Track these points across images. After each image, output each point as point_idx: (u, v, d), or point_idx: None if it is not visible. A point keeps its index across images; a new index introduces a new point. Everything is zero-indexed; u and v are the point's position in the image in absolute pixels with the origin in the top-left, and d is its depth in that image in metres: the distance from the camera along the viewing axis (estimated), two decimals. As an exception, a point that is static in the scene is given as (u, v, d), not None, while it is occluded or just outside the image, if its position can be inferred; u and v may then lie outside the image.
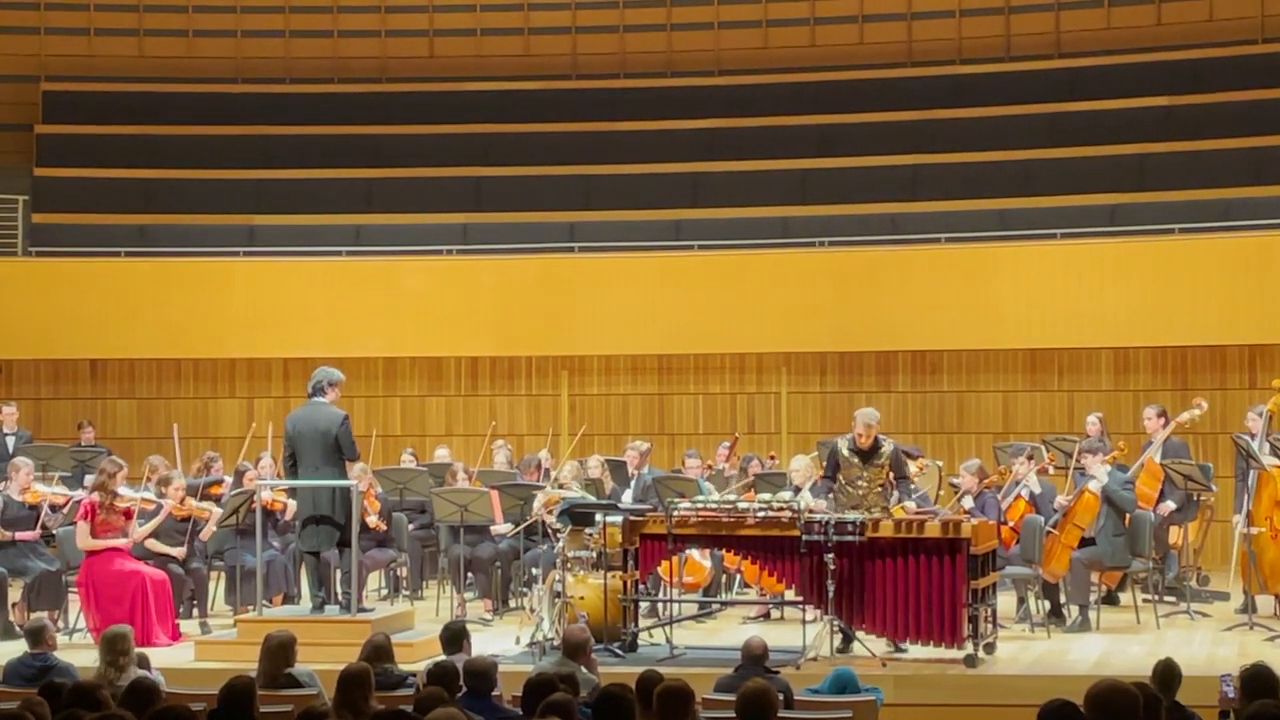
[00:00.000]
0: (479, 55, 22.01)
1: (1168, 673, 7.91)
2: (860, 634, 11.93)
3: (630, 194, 20.42)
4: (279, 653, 8.96)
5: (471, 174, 20.97)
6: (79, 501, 13.46)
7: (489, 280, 19.68)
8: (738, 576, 14.90)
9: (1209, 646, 12.55)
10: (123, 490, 13.16)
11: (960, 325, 18.64)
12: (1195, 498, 14.68)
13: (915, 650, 11.94)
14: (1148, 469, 14.35)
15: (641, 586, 12.77)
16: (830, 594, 11.59)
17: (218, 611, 14.07)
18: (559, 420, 19.46)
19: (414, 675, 9.06)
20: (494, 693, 8.34)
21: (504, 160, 21.00)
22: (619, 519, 12.48)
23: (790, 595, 12.55)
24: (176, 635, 12.99)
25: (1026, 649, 12.56)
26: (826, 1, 21.56)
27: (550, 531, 13.52)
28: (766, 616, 14.01)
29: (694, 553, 13.85)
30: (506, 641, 12.69)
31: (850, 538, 11.61)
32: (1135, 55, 20.25)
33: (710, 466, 15.46)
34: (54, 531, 13.84)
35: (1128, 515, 13.49)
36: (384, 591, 15.37)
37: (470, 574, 14.49)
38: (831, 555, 11.57)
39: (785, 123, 20.72)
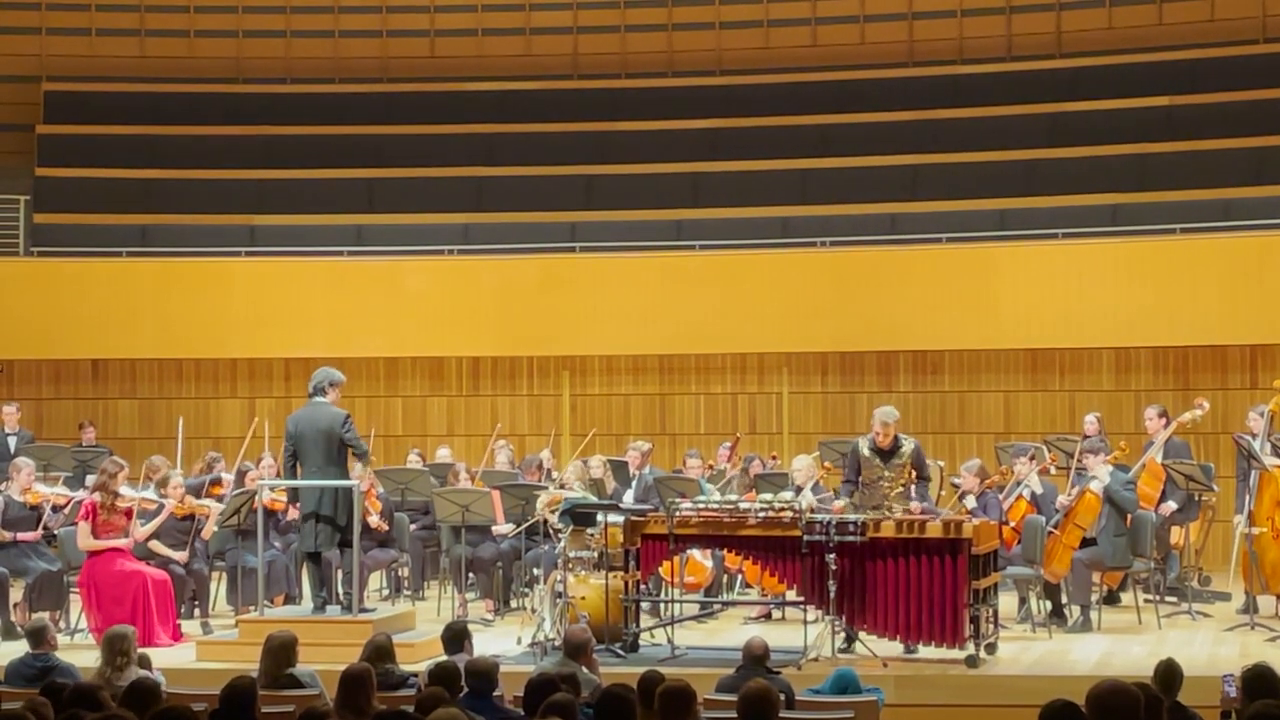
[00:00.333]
0: (480, 55, 22.00)
1: (1169, 673, 7.90)
2: (865, 635, 11.92)
3: (631, 194, 20.42)
4: (280, 653, 8.96)
5: (473, 174, 20.97)
6: (80, 502, 13.44)
7: (490, 280, 19.67)
8: (739, 577, 14.90)
9: (1210, 647, 12.54)
10: (124, 490, 13.15)
11: (961, 325, 18.63)
12: (1197, 498, 14.68)
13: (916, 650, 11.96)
14: (1149, 469, 14.35)
15: (643, 587, 12.75)
16: (832, 594, 11.59)
17: (219, 612, 14.07)
18: (560, 420, 19.45)
19: (415, 675, 9.06)
20: (495, 693, 8.35)
21: (505, 160, 21.00)
22: (620, 519, 12.48)
23: (791, 595, 12.52)
24: (178, 635, 12.98)
25: (1028, 649, 12.56)
26: (827, 1, 21.55)
27: (552, 532, 13.50)
28: (768, 617, 14.00)
29: (695, 553, 13.84)
30: (508, 642, 12.69)
31: (852, 538, 11.61)
32: (1136, 55, 20.24)
33: (711, 467, 15.46)
34: (55, 532, 13.82)
35: (1129, 515, 13.49)
36: (385, 592, 15.37)
37: (472, 574, 14.48)
38: (833, 555, 11.57)
39: (786, 123, 20.72)
